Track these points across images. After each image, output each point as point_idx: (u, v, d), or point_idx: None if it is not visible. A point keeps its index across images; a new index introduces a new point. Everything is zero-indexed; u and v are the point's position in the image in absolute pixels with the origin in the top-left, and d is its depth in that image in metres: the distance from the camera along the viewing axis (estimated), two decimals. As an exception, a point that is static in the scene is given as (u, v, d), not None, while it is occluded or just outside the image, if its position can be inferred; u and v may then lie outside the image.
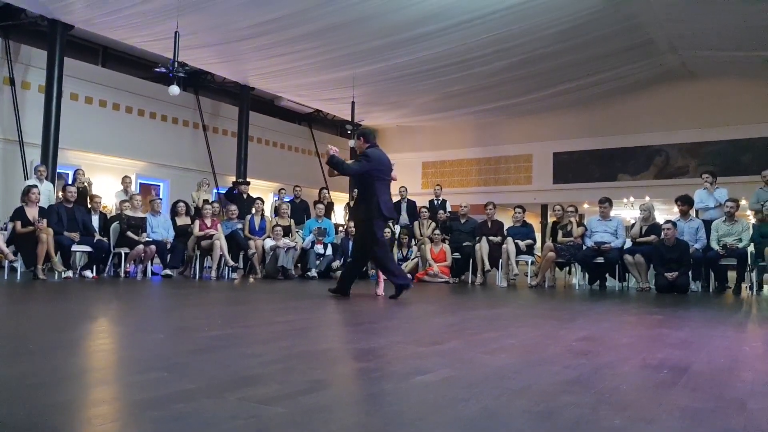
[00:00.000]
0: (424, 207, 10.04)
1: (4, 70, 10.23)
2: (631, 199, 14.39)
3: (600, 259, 7.76)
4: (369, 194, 5.18)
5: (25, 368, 2.07)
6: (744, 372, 2.33)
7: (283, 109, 15.18)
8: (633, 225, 8.25)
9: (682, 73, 12.83)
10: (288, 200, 10.54)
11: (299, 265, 8.87)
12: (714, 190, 7.98)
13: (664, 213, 13.83)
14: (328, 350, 2.77)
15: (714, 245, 7.34)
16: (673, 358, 2.52)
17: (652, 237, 7.62)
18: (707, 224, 7.63)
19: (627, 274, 7.87)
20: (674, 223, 7.43)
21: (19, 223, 6.97)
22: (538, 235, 9.74)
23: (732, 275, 7.60)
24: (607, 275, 8.07)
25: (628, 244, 7.90)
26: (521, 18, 9.17)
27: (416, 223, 9.73)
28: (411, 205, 10.40)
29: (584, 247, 7.92)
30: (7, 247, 6.74)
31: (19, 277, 6.76)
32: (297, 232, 9.20)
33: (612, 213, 8.30)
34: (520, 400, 1.78)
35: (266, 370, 2.13)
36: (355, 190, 5.54)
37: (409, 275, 8.44)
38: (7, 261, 6.80)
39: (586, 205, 14.21)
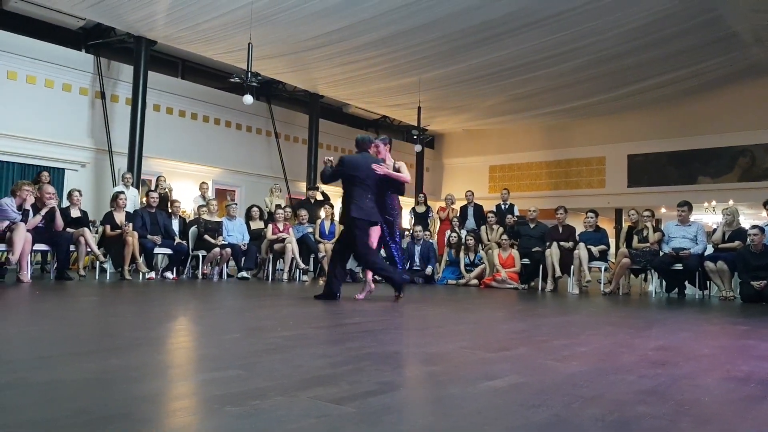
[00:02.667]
0: (491, 211, 9.91)
1: (96, 84, 11.00)
2: (713, 203, 13.59)
3: (678, 266, 7.38)
4: (346, 198, 5.39)
5: (117, 363, 2.23)
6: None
7: (350, 116, 15.45)
8: (715, 230, 7.79)
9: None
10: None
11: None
12: None
13: (750, 218, 12.97)
14: (396, 353, 2.80)
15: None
16: (762, 371, 2.37)
17: (737, 243, 7.16)
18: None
19: (708, 282, 7.44)
20: (762, 229, 6.95)
21: (108, 227, 7.47)
22: (611, 241, 9.39)
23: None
24: (686, 283, 7.67)
25: (710, 250, 7.47)
26: (591, 17, 8.91)
27: (483, 227, 9.62)
28: (477, 209, 10.29)
29: (661, 254, 7.56)
30: (98, 248, 7.23)
31: (108, 277, 7.24)
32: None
33: (691, 218, 7.87)
34: (593, 408, 1.74)
35: (336, 371, 2.19)
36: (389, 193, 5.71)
37: (476, 280, 8.41)
38: (98, 262, 7.30)
39: (663, 210, 13.56)
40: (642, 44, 10.06)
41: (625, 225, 9.26)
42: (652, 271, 7.75)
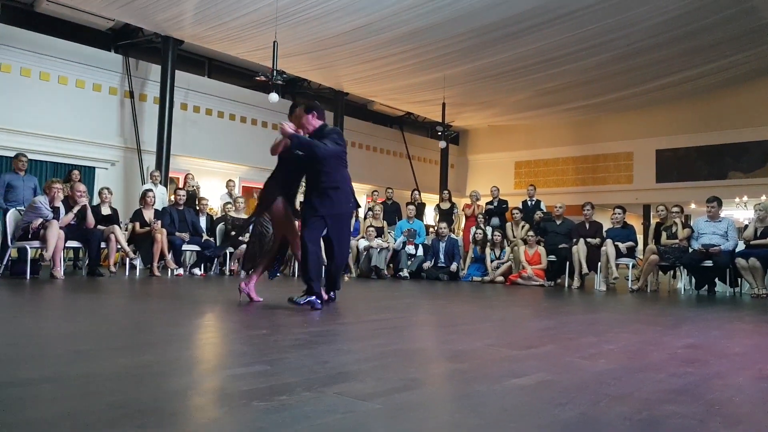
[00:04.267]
0: (516, 208, 9.83)
1: (125, 84, 11.22)
2: (745, 198, 13.25)
3: (708, 263, 7.23)
4: (341, 181, 4.42)
5: (148, 358, 2.29)
6: None
7: (375, 113, 15.46)
8: (746, 226, 7.60)
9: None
10: (381, 202, 10.73)
11: (391, 265, 9.01)
12: None
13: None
14: (422, 349, 2.81)
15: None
16: (795, 371, 2.32)
17: (769, 239, 6.99)
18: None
19: (740, 280, 7.27)
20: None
21: (137, 224, 7.63)
22: (639, 237, 9.23)
23: None
24: (716, 280, 7.51)
25: (741, 246, 7.29)
26: (619, 11, 8.75)
27: (509, 224, 9.55)
28: (502, 204, 10.23)
29: (690, 250, 7.41)
30: (128, 245, 7.39)
31: (138, 274, 7.39)
32: (389, 233, 9.36)
33: (722, 213, 7.69)
34: (621, 407, 1.73)
35: (362, 367, 2.21)
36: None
37: (501, 277, 8.36)
38: (128, 258, 7.46)
39: (692, 206, 13.27)
40: (671, 37, 9.85)
41: (653, 221, 9.11)
42: (681, 267, 7.60)
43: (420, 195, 11.27)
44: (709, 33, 9.97)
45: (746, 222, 8.11)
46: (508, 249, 8.77)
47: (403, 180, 14.84)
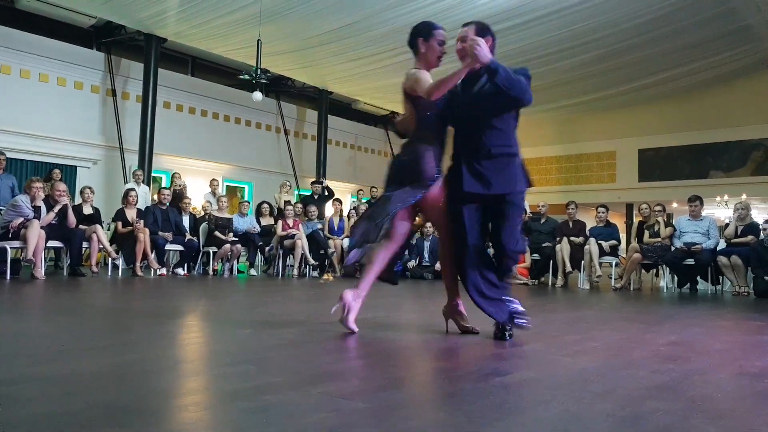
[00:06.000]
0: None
1: (107, 82, 11.08)
2: (726, 197, 13.46)
3: (690, 261, 7.33)
4: (516, 146, 3.09)
5: (130, 357, 2.26)
6: None
7: (359, 112, 15.44)
8: (727, 225, 7.73)
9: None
10: (366, 201, 10.72)
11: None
12: None
13: (763, 212, 12.83)
14: (406, 348, 2.81)
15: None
16: (774, 367, 2.36)
17: (750, 237, 7.11)
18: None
19: (721, 278, 7.39)
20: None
21: (120, 224, 7.54)
22: (622, 236, 9.33)
23: None
24: (698, 278, 7.61)
25: (722, 245, 7.41)
26: (601, 11, 8.84)
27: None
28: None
29: (673, 248, 7.51)
30: (110, 245, 7.30)
31: (120, 274, 7.31)
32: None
33: (703, 212, 7.81)
34: (604, 403, 1.74)
35: (347, 366, 2.21)
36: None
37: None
38: (110, 258, 7.37)
39: (674, 204, 13.45)
40: (654, 37, 9.97)
41: (636, 220, 9.21)
42: (664, 266, 7.70)
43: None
44: (691, 34, 10.11)
45: (727, 220, 8.24)
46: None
47: (388, 179, 14.87)
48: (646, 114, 14.24)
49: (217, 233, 8.21)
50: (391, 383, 1.94)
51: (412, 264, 8.75)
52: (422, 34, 3.07)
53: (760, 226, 6.91)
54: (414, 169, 2.88)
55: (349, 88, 13.25)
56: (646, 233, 7.91)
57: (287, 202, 9.41)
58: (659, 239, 7.70)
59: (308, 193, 11.08)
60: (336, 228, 9.26)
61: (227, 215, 8.65)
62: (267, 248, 8.68)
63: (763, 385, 2.04)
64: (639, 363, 2.40)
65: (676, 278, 7.78)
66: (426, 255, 8.89)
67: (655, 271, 8.29)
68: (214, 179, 10.26)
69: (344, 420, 1.49)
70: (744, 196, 11.80)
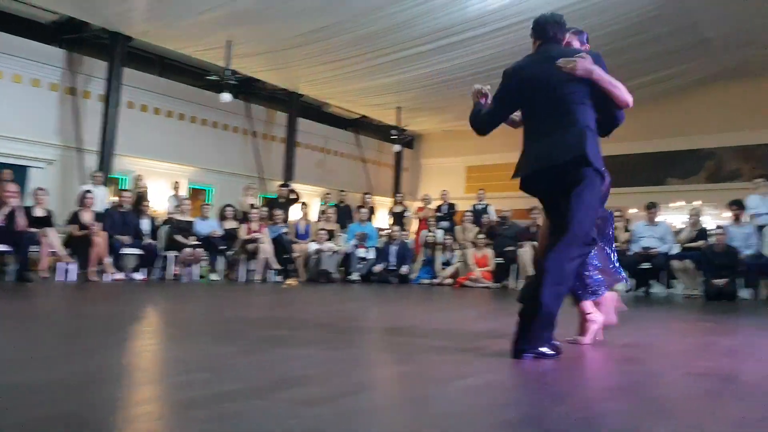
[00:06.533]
0: (468, 211, 9.98)
1: (67, 80, 10.74)
2: (681, 203, 13.89)
3: (646, 265, 7.55)
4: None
5: (79, 366, 2.18)
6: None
7: (330, 115, 15.39)
8: (681, 230, 8.00)
9: (739, 72, 12.28)
10: (333, 205, 10.69)
11: (342, 268, 8.98)
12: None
13: (717, 218, 13.27)
14: (370, 354, 2.81)
15: (767, 251, 7.05)
16: (722, 367, 2.44)
17: (701, 242, 7.37)
18: (760, 230, 7.32)
19: (673, 281, 7.63)
20: (725, 229, 7.18)
21: (76, 227, 7.29)
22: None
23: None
24: (653, 281, 7.85)
25: (676, 249, 7.66)
26: (571, 20, 9.04)
27: (459, 227, 9.69)
28: (451, 208, 10.37)
29: (630, 253, 7.73)
30: (64, 249, 7.04)
31: (72, 278, 7.05)
32: (340, 236, 9.35)
33: (661, 218, 8.06)
34: (562, 405, 1.77)
35: (309, 372, 2.19)
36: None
37: (450, 279, 8.46)
38: (63, 263, 7.10)
39: (632, 210, 13.80)
40: (617, 48, 10.22)
41: (596, 225, 9.42)
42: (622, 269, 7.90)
43: (372, 198, 11.29)
44: (652, 46, 10.40)
45: (681, 226, 8.52)
46: (458, 252, 8.89)
47: (357, 183, 14.81)
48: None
49: (177, 237, 8.05)
50: (353, 389, 1.93)
51: (377, 268, 8.75)
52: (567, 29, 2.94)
53: (712, 232, 7.17)
54: None
55: (321, 91, 13.19)
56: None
57: (252, 206, 9.30)
58: (618, 244, 7.90)
59: (274, 197, 10.98)
60: (302, 232, 9.20)
61: (189, 218, 8.49)
62: (229, 252, 8.55)
63: (710, 384, 2.11)
64: (596, 365, 2.45)
65: (632, 281, 7.99)
66: (392, 259, 8.90)
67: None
68: (176, 181, 10.05)
69: (306, 427, 1.48)
70: (699, 203, 12.21)
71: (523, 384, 2.06)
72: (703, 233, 7.52)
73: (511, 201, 12.54)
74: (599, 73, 2.55)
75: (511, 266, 8.43)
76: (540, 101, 2.69)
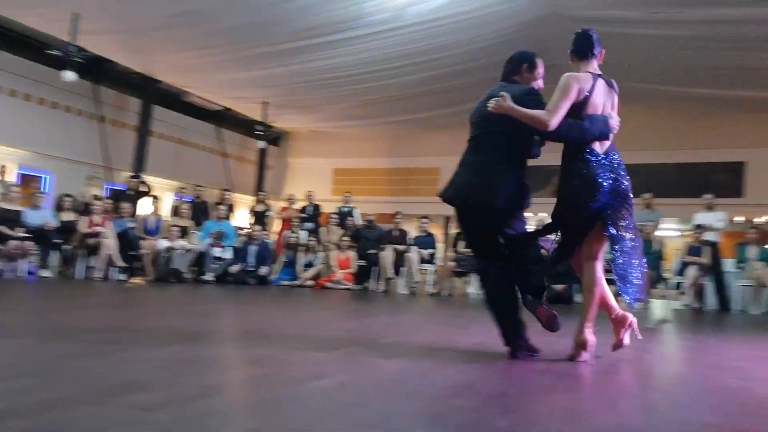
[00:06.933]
0: (334, 213, 10.02)
1: None
2: (530, 214, 15.21)
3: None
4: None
5: None
6: (615, 375, 2.52)
7: (190, 105, 14.55)
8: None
9: (581, 98, 13.69)
10: (189, 200, 10.11)
11: (195, 268, 8.50)
12: None
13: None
14: (221, 356, 2.68)
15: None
16: (557, 364, 2.67)
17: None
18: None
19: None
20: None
21: None
22: (441, 246, 10.03)
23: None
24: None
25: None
26: (441, 33, 9.39)
27: (323, 229, 9.69)
28: (316, 209, 10.34)
29: (483, 258, 8.26)
30: None
31: None
32: (193, 233, 8.86)
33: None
34: (413, 404, 1.81)
35: (152, 376, 2.02)
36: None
37: (311, 281, 8.41)
38: None
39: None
40: (481, 65, 10.86)
41: (453, 231, 9.96)
42: (474, 273, 8.43)
43: (232, 195, 10.89)
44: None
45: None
46: (321, 253, 8.88)
47: (216, 178, 14.15)
48: (466, 135, 15.52)
49: (2, 228, 7.09)
50: (202, 392, 1.81)
51: (235, 268, 8.40)
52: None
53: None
54: None
55: (181, 79, 12.41)
56: (461, 243, 8.60)
57: (96, 197, 8.50)
58: (472, 250, 8.42)
59: (122, 189, 10.15)
60: (152, 228, 8.58)
61: (17, 207, 7.52)
62: (66, 247, 7.71)
63: (546, 379, 2.30)
64: (447, 364, 2.56)
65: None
66: (251, 259, 8.62)
67: (466, 278, 9.04)
68: (2, 165, 8.89)
69: (144, 434, 1.36)
70: (544, 214, 13.42)
71: (377, 384, 2.08)
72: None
73: (376, 205, 12.84)
74: (516, 110, 2.74)
75: (372, 268, 8.60)
76: (474, 134, 3.07)
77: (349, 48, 10.01)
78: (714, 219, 8.07)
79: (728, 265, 7.99)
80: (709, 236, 7.86)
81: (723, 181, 11.16)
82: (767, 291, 7.46)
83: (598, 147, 2.73)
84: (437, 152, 15.88)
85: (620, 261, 2.65)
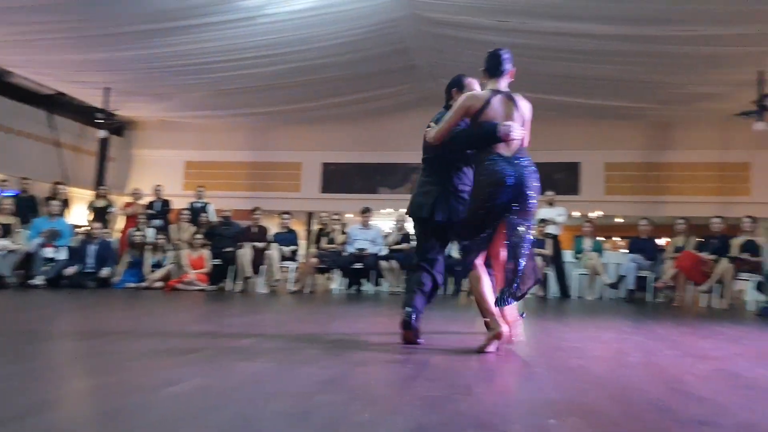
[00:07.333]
0: (185, 209, 9.45)
1: None
2: (390, 210, 15.64)
3: (359, 265, 8.27)
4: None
5: None
6: (472, 362, 2.66)
7: (15, 87, 12.86)
8: (390, 234, 8.99)
9: (440, 99, 14.31)
10: (12, 194, 8.91)
11: (22, 271, 7.51)
12: None
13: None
14: (59, 366, 2.39)
15: (454, 254, 8.40)
16: (417, 354, 2.76)
17: (405, 245, 8.42)
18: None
19: (381, 279, 8.51)
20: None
21: None
22: (302, 242, 9.94)
23: (466, 280, 8.75)
24: (364, 280, 8.63)
25: (385, 251, 8.57)
26: (299, 26, 9.25)
27: (173, 226, 9.11)
28: (165, 205, 9.69)
29: (345, 254, 8.35)
30: None
31: None
32: (19, 232, 7.82)
33: (373, 222, 8.93)
34: (276, 403, 1.75)
35: (-33, 395, 1.73)
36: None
37: (160, 282, 7.85)
38: None
39: (349, 215, 15.01)
40: (340, 61, 10.91)
41: (315, 227, 9.93)
42: (336, 269, 8.48)
43: (68, 189, 9.83)
44: (370, 64, 11.39)
45: (389, 230, 9.56)
46: (171, 253, 8.34)
47: (47, 170, 12.63)
48: (331, 131, 15.53)
49: None
50: (37, 407, 1.59)
51: (70, 270, 7.57)
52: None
53: (411, 236, 8.23)
54: None
55: (5, 57, 10.91)
56: (324, 240, 8.61)
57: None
58: (335, 245, 8.48)
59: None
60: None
61: None
62: None
63: (407, 370, 2.36)
64: (310, 360, 2.52)
65: (346, 281, 8.65)
66: (91, 260, 7.83)
67: (328, 274, 9.06)
68: None
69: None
70: (402, 210, 13.87)
71: (237, 385, 1.99)
72: (407, 237, 8.61)
73: (233, 200, 12.36)
74: (432, 135, 3.29)
75: (229, 267, 8.27)
76: (422, 157, 3.60)
77: (203, 35, 9.49)
78: (555, 214, 8.92)
79: (567, 255, 8.88)
80: (551, 229, 8.66)
81: (562, 179, 12.46)
82: (600, 279, 8.43)
83: (504, 149, 2.96)
84: (299, 147, 15.75)
85: (521, 260, 2.84)
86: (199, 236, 8.40)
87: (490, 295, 2.94)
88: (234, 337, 3.24)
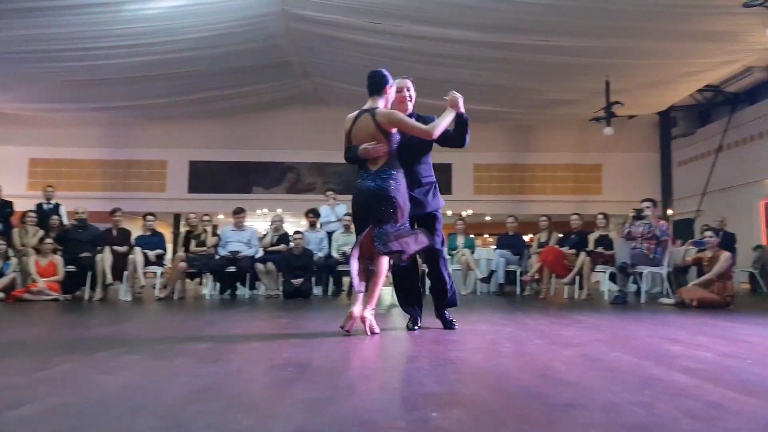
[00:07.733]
0: (32, 211, 8.47)
1: None
2: (265, 210, 15.26)
3: (232, 268, 7.93)
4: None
5: None
6: (354, 361, 2.65)
7: None
8: (265, 235, 8.74)
9: (313, 98, 14.24)
10: None
11: None
12: (336, 206, 9.19)
13: (294, 225, 15.11)
14: None
15: (334, 254, 8.38)
16: (297, 356, 2.68)
17: (282, 246, 8.22)
18: (330, 236, 8.68)
19: (257, 282, 8.25)
20: (303, 234, 8.23)
21: None
22: (169, 246, 9.35)
23: (347, 280, 8.76)
24: (238, 284, 8.30)
25: (261, 253, 8.31)
26: (163, 17, 8.69)
27: (17, 230, 8.14)
28: (5, 206, 8.61)
29: (217, 257, 7.98)
30: None
31: None
32: None
33: (248, 223, 8.61)
34: (145, 417, 1.60)
35: None
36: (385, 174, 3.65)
37: (2, 294, 6.98)
38: None
39: (220, 216, 14.40)
40: (207, 55, 10.42)
41: (183, 230, 9.39)
42: (208, 273, 8.07)
43: None
44: (241, 59, 11.00)
45: (265, 231, 9.32)
46: (14, 260, 7.45)
47: None
48: (199, 128, 14.82)
49: None
50: None
51: None
52: (388, 81, 3.68)
53: (292, 237, 8.12)
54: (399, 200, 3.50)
55: None
56: (193, 242, 8.15)
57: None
58: (205, 248, 8.05)
59: None
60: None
61: None
62: None
63: (287, 373, 2.28)
64: (181, 370, 2.35)
65: (218, 285, 8.26)
66: None
67: (199, 279, 8.60)
68: None
69: None
70: (280, 210, 13.61)
71: (98, 403, 1.79)
72: (284, 238, 8.41)
73: (89, 201, 11.32)
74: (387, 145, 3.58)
75: (87, 274, 7.54)
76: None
77: (50, 19, 8.60)
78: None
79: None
80: None
81: (437, 179, 12.97)
82: (473, 274, 8.87)
83: (371, 164, 3.52)
84: (163, 144, 14.84)
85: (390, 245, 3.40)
86: (49, 241, 7.58)
87: (355, 279, 3.47)
88: (93, 349, 2.93)
